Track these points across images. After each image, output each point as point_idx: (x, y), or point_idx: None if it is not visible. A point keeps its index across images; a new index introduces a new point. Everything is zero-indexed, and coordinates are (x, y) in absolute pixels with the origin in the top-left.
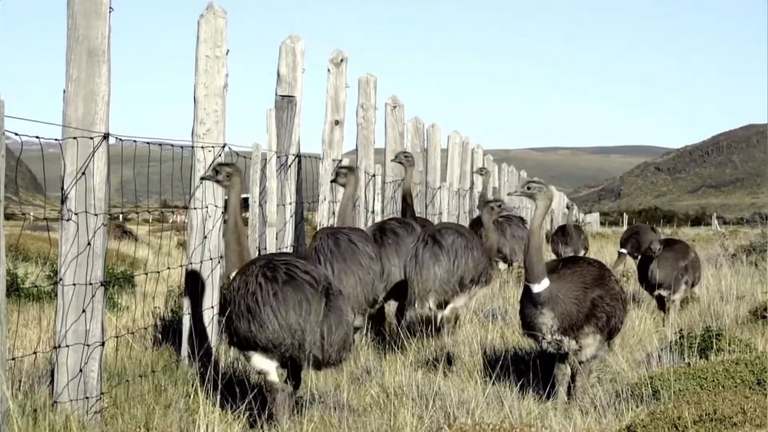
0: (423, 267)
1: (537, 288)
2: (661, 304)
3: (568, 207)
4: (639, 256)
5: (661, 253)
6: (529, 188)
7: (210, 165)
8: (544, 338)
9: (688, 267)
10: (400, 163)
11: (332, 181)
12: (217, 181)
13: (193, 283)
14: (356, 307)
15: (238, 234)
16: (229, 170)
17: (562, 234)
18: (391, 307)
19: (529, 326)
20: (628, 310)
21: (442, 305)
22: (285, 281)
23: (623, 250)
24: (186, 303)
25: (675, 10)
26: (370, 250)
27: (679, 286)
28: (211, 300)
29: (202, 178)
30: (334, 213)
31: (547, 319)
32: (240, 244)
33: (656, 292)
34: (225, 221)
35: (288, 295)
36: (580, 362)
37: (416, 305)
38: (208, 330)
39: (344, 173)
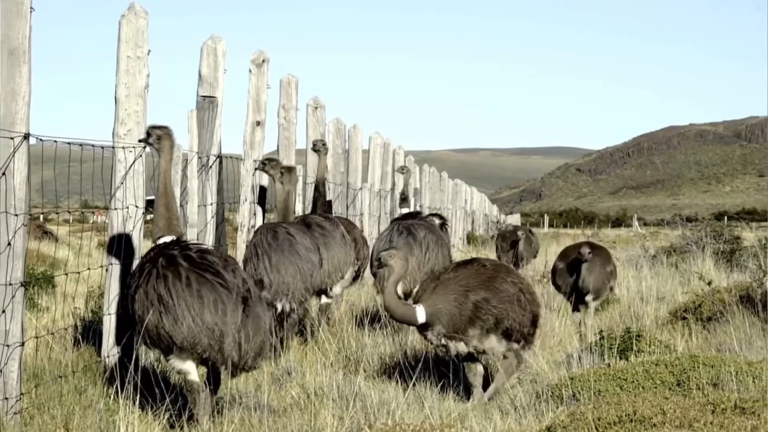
0: None
1: (418, 322)
2: (577, 308)
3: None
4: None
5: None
6: (381, 259)
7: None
8: (432, 343)
9: (613, 271)
10: (317, 151)
11: (257, 169)
12: (148, 144)
13: (114, 283)
14: (296, 296)
15: (167, 199)
16: (159, 132)
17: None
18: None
19: (420, 334)
20: (534, 310)
21: (409, 294)
22: (197, 278)
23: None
24: (106, 303)
25: (592, 11)
26: (308, 242)
27: (605, 292)
28: None
29: (140, 141)
30: (255, 214)
31: (435, 333)
32: (169, 210)
33: (585, 298)
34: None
35: (203, 293)
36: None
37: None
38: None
39: (273, 165)
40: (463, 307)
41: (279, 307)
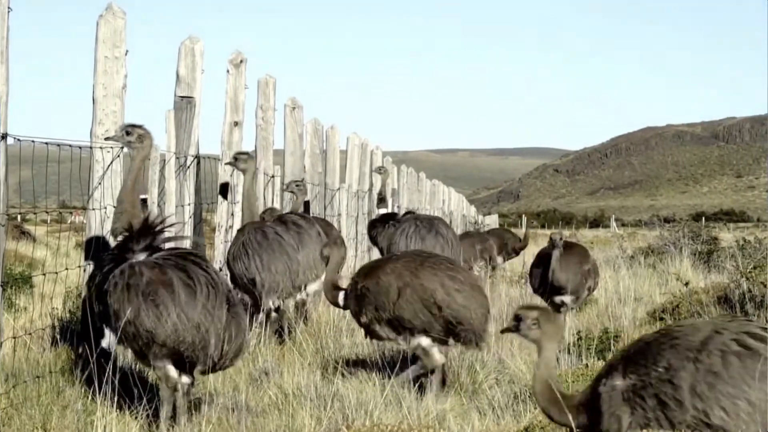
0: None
1: (340, 305)
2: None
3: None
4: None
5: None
6: (325, 248)
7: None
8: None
9: (591, 270)
10: (291, 192)
11: (229, 164)
12: (128, 143)
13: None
14: (284, 293)
15: (134, 197)
16: (141, 132)
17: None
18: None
19: None
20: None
21: None
22: (185, 275)
23: None
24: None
25: (569, 12)
26: (294, 242)
27: (582, 292)
28: None
29: (107, 139)
30: (233, 214)
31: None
32: (134, 207)
33: (558, 298)
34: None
35: (189, 290)
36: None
37: None
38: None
39: (244, 159)
40: (358, 293)
41: (269, 304)
